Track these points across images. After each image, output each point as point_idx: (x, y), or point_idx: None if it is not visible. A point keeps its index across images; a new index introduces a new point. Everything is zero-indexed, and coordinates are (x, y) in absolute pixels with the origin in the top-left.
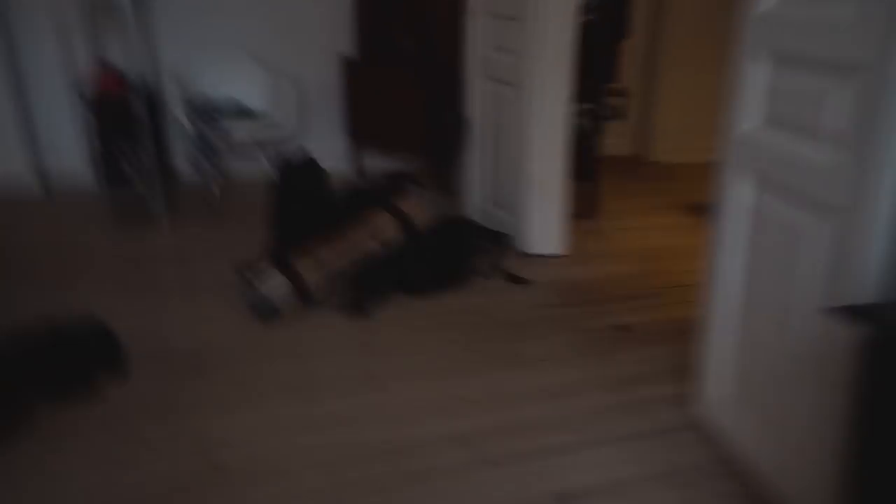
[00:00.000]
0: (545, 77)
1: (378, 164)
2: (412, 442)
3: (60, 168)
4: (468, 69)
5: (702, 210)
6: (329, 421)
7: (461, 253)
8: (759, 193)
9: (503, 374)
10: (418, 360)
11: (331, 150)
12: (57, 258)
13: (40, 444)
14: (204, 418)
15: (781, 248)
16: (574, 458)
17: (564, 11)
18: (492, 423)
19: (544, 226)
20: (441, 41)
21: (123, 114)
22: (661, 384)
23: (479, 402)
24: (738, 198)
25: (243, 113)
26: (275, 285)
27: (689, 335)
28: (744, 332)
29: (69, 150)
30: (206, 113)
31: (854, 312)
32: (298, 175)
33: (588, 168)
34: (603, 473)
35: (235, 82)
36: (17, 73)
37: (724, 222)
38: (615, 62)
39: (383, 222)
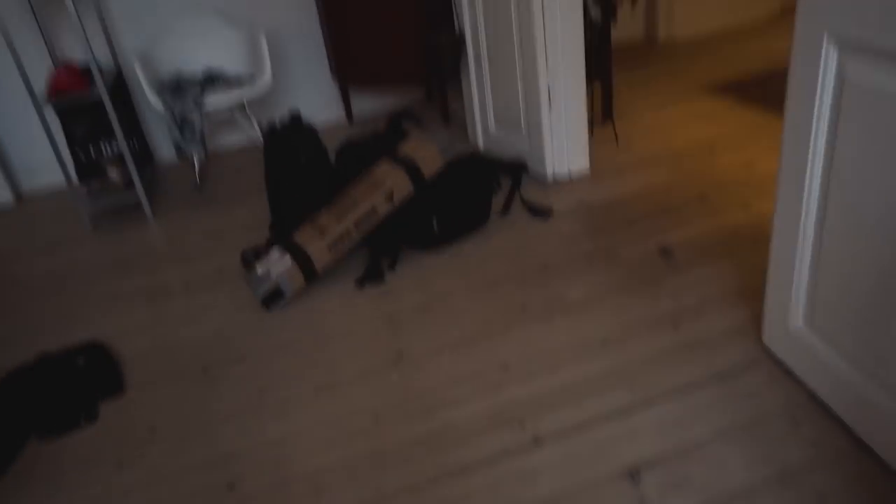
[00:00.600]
0: None
1: (369, 104)
2: (452, 429)
3: (31, 176)
4: None
5: (735, 88)
6: (359, 417)
7: (475, 193)
8: (844, 56)
9: (542, 327)
10: (447, 326)
11: (318, 99)
12: (39, 268)
13: (41, 483)
14: (215, 432)
15: (880, 130)
16: (638, 421)
17: None
18: (538, 392)
19: (561, 143)
20: None
21: (85, 107)
22: (720, 315)
23: (520, 367)
24: (816, 63)
25: (216, 80)
26: (278, 265)
27: (746, 247)
28: (828, 240)
29: (36, 155)
30: (178, 88)
31: None
32: (285, 139)
33: (599, 65)
34: (674, 435)
35: (207, 50)
36: None
37: (796, 99)
38: None
39: (388, 174)
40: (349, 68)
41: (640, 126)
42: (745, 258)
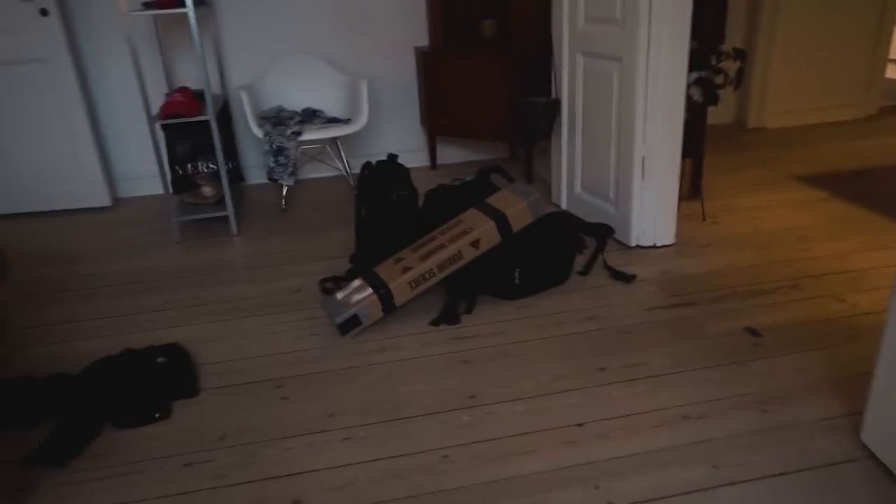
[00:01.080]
0: (657, 46)
1: (452, 154)
2: (522, 479)
3: (128, 185)
4: (557, 46)
5: (829, 180)
6: (427, 455)
7: (559, 250)
8: None
9: (620, 390)
10: (522, 375)
11: (405, 143)
12: (130, 268)
13: (113, 468)
14: (283, 448)
15: None
16: (718, 499)
17: None
18: (614, 455)
19: (650, 213)
20: (525, 19)
21: (191, 127)
22: (812, 404)
23: (596, 427)
24: None
25: (315, 116)
26: (358, 294)
27: (839, 339)
28: None
29: (136, 167)
30: (278, 120)
31: None
32: (380, 175)
33: (693, 144)
34: None
35: (309, 90)
36: (90, 96)
37: None
38: (725, 17)
39: (477, 222)
40: (439, 119)
41: (727, 207)
42: (839, 350)
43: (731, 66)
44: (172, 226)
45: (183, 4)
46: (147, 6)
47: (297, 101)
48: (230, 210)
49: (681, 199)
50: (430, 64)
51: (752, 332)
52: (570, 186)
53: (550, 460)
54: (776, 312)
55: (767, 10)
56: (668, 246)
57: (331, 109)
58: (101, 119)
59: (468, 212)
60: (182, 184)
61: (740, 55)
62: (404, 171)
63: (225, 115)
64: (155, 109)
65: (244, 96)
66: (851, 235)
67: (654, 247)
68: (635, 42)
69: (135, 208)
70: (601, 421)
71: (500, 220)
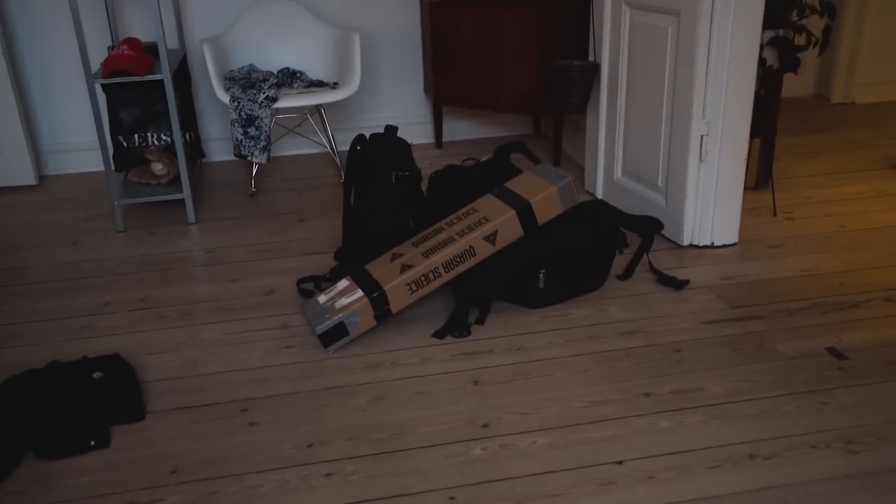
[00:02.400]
0: None
1: (462, 130)
2: None
3: (59, 160)
4: None
5: None
6: (432, 497)
7: (595, 249)
8: None
9: (670, 422)
10: (547, 400)
11: (404, 116)
12: (59, 261)
13: None
14: (251, 486)
15: None
16: None
17: None
18: (661, 499)
19: (708, 205)
20: None
21: (140, 89)
22: None
23: (639, 467)
24: None
25: (294, 79)
26: (346, 298)
27: None
28: None
29: (69, 137)
30: (248, 82)
31: None
32: (375, 152)
33: (764, 120)
34: None
35: (288, 46)
36: (14, 53)
37: None
38: None
39: (494, 211)
40: (448, 87)
41: (803, 199)
42: None
43: (816, 24)
44: (114, 210)
45: None
46: None
47: (273, 59)
48: (187, 192)
49: (747, 188)
50: (438, 16)
51: (836, 353)
52: (608, 171)
53: None
54: (866, 330)
55: None
56: (730, 246)
57: (314, 71)
58: (27, 79)
59: (483, 198)
60: (127, 159)
61: (828, 9)
62: (405, 146)
63: (183, 74)
64: (95, 66)
65: (207, 52)
66: None
67: (712, 246)
68: None
69: (67, 188)
70: (645, 459)
71: (523, 209)
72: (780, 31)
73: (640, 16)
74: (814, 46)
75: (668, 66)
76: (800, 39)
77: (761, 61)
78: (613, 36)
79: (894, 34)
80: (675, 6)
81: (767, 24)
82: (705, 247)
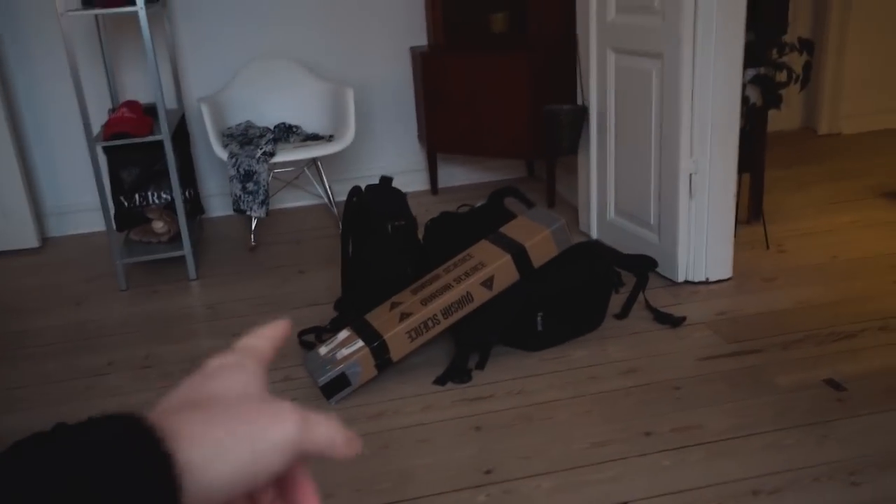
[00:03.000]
0: (705, 37)
1: (457, 176)
2: None
3: (61, 222)
4: (584, 42)
5: None
6: None
7: (591, 290)
8: None
9: (673, 461)
10: (549, 444)
11: (400, 165)
12: (63, 322)
13: None
14: None
15: None
16: None
17: None
18: None
19: (701, 241)
20: (544, 10)
21: (140, 149)
22: None
23: None
24: None
25: (290, 134)
26: (346, 349)
27: None
28: None
29: (72, 199)
30: (246, 139)
31: None
32: (371, 203)
33: (751, 155)
34: None
35: (283, 102)
36: (16, 116)
37: None
38: (786, 8)
39: (489, 256)
40: (442, 134)
41: (795, 231)
42: None
43: (797, 61)
44: (116, 269)
45: (132, 2)
46: (87, 4)
47: (269, 115)
48: (187, 249)
49: (738, 223)
50: (429, 67)
51: (835, 384)
52: (601, 211)
53: None
54: (863, 360)
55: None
56: (725, 281)
57: (310, 124)
58: (29, 141)
59: (479, 244)
60: (128, 218)
61: (807, 47)
62: (400, 196)
63: (182, 133)
64: (96, 129)
65: (205, 110)
66: None
67: (707, 282)
68: (678, 33)
69: (69, 249)
70: (649, 499)
71: (518, 253)
72: (762, 70)
73: (625, 60)
74: (795, 82)
75: (654, 108)
76: (781, 76)
77: (744, 99)
78: (600, 80)
79: (875, 65)
80: (657, 49)
81: (748, 62)
82: (700, 283)
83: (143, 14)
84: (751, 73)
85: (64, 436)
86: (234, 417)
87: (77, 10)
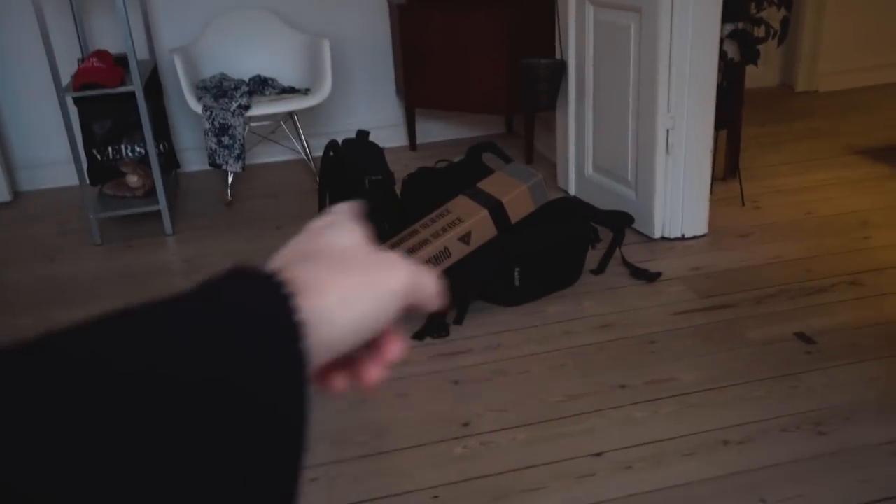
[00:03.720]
0: None
1: (436, 132)
2: None
3: (33, 175)
4: None
5: (885, 155)
6: (415, 496)
7: (568, 245)
8: None
9: (646, 412)
10: (525, 396)
11: (378, 119)
12: (36, 276)
13: None
14: None
15: None
16: None
17: None
18: (639, 490)
19: (677, 197)
20: None
21: (112, 101)
22: (878, 424)
23: (616, 457)
24: None
25: (266, 86)
26: None
27: None
28: None
29: (43, 152)
30: (220, 91)
31: None
32: (348, 156)
33: (728, 112)
34: None
35: (259, 54)
36: None
37: None
38: None
39: (467, 211)
40: (420, 89)
41: (770, 188)
42: None
43: (775, 17)
44: (91, 224)
45: None
46: None
47: (244, 67)
48: (163, 204)
49: (715, 179)
50: (406, 20)
51: (805, 338)
52: (579, 167)
53: (563, 498)
54: (833, 314)
55: None
56: (700, 237)
57: (286, 77)
58: None
59: (456, 199)
60: (102, 172)
61: (786, 2)
62: (378, 150)
63: (154, 85)
64: (66, 79)
65: (178, 62)
66: None
67: (683, 238)
68: None
69: (42, 204)
70: (623, 450)
71: (495, 208)
72: (740, 25)
73: (603, 13)
74: (773, 38)
75: (633, 63)
76: (759, 32)
77: (722, 54)
78: (578, 34)
79: (854, 23)
80: (636, 3)
81: (726, 17)
82: (676, 239)
83: None
84: (729, 27)
85: (205, 290)
86: (354, 267)
87: None
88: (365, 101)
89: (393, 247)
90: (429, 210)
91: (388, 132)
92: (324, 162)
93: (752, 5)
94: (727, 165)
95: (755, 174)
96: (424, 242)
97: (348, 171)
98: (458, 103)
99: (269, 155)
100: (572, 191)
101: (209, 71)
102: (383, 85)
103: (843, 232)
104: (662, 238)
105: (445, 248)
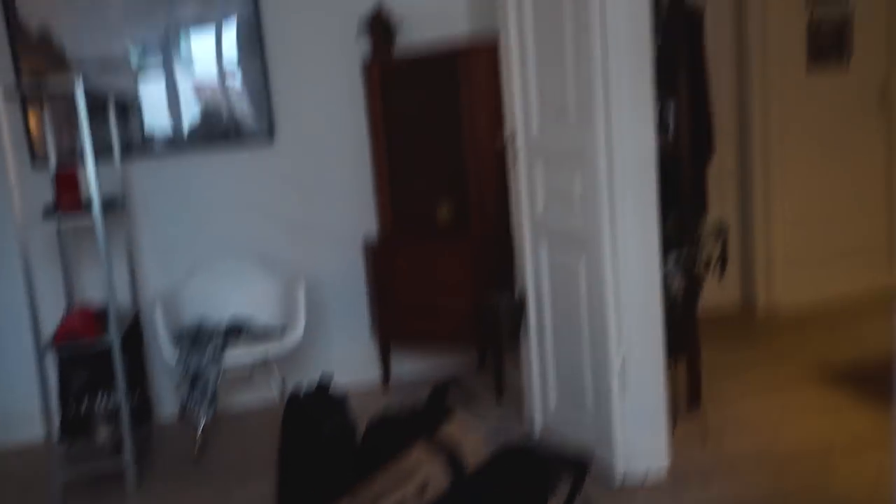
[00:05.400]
0: (623, 222)
1: (411, 367)
2: None
3: (4, 430)
4: (519, 231)
5: (856, 376)
6: None
7: (523, 495)
8: None
9: None
10: None
11: (353, 357)
12: None
13: None
14: None
15: None
16: None
17: (642, 132)
18: None
19: (636, 433)
20: (484, 202)
21: (90, 355)
22: None
23: None
24: None
25: (241, 331)
26: None
27: None
28: None
29: (17, 405)
30: (197, 338)
31: None
32: (307, 407)
33: (681, 339)
34: None
35: (236, 296)
36: None
37: None
38: (705, 188)
39: (422, 462)
40: (393, 325)
41: (733, 418)
42: None
43: (713, 247)
44: (52, 490)
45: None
46: (49, 213)
47: (224, 308)
48: (128, 461)
49: (677, 412)
50: (379, 259)
51: None
52: (544, 402)
53: None
54: None
55: (758, 173)
56: (661, 476)
57: (263, 316)
58: None
59: (413, 449)
60: (74, 426)
61: (720, 231)
62: (339, 400)
63: (135, 334)
64: (48, 329)
65: (158, 313)
66: (888, 447)
67: (646, 478)
68: (598, 222)
69: (8, 459)
70: None
71: (452, 456)
72: (684, 250)
73: (556, 251)
74: (716, 266)
75: (584, 298)
76: (703, 255)
77: (670, 282)
78: (535, 271)
79: (804, 237)
80: (581, 237)
81: (670, 245)
82: (637, 479)
83: (99, 223)
84: (673, 255)
85: None
86: None
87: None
88: (341, 340)
89: (351, 499)
90: (388, 458)
91: (363, 370)
92: (284, 417)
93: (694, 234)
94: (690, 396)
95: (718, 405)
96: (378, 498)
97: (307, 425)
98: (429, 337)
99: (242, 403)
100: (539, 425)
101: (191, 313)
102: (360, 323)
103: (807, 464)
104: (624, 480)
105: (402, 501)
